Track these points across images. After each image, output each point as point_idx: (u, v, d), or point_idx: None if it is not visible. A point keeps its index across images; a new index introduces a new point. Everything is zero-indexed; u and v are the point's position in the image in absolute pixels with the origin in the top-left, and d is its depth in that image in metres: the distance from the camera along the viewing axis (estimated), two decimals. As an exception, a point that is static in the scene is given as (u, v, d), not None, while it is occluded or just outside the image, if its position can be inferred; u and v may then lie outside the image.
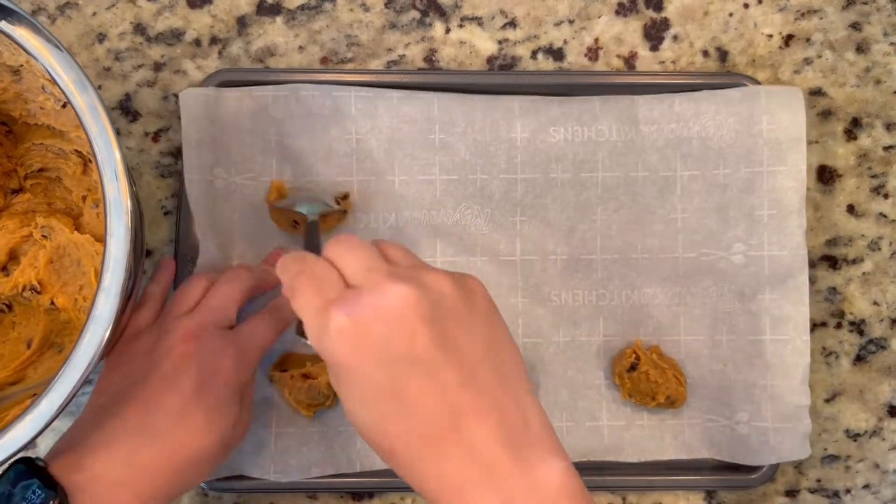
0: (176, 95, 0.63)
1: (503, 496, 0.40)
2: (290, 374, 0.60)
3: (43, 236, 0.59)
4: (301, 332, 0.45)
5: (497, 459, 0.40)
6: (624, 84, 0.63)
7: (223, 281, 0.58)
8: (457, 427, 0.40)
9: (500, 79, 0.63)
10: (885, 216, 0.65)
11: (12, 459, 0.46)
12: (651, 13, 0.65)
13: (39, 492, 0.45)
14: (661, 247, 0.63)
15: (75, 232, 0.58)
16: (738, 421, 0.62)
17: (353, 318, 0.41)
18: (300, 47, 0.64)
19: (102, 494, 0.47)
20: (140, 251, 0.55)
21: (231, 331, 0.56)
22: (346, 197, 0.61)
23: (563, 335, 0.63)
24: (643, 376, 0.61)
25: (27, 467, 0.46)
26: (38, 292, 0.58)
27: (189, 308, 0.57)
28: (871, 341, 0.66)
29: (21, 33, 0.46)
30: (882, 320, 0.66)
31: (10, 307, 0.60)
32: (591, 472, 0.62)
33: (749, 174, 0.62)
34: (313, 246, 0.57)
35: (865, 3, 0.65)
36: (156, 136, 0.63)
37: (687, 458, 0.63)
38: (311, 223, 0.59)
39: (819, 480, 0.66)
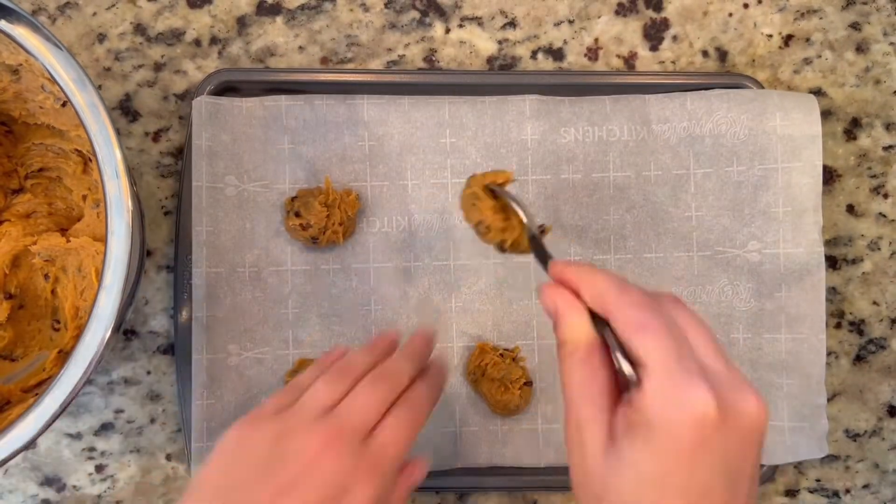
0: (177, 95, 0.63)
1: None
2: None
3: (46, 260, 0.59)
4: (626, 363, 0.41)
5: None
6: (624, 84, 0.63)
7: (368, 382, 0.49)
8: None
9: (500, 79, 0.63)
10: (884, 216, 0.65)
11: None
12: (651, 13, 0.65)
13: None
14: (676, 245, 0.63)
15: (72, 239, 0.59)
16: None
17: (719, 408, 0.38)
18: (300, 47, 0.64)
19: None
20: (141, 250, 0.55)
21: (364, 444, 0.47)
22: (544, 231, 0.52)
23: None
24: None
25: None
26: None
27: (323, 409, 0.48)
28: (870, 341, 0.66)
29: (21, 32, 0.46)
30: (882, 320, 0.66)
31: (22, 307, 0.60)
32: (592, 472, 0.62)
33: (763, 171, 0.62)
34: (544, 255, 0.48)
35: (865, 3, 0.65)
36: (156, 136, 0.63)
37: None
38: (532, 237, 0.49)
39: (819, 480, 0.66)
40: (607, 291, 0.41)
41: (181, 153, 0.63)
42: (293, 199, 0.61)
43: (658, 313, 0.41)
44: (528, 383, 0.62)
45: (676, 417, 0.38)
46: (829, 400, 0.65)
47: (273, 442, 0.45)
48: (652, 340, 0.39)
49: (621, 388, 0.42)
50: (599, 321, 0.42)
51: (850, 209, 0.66)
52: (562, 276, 0.43)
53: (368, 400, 0.48)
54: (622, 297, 0.41)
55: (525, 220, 0.50)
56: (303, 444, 0.45)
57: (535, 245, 0.49)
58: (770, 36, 0.65)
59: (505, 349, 0.62)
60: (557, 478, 0.62)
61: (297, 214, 0.60)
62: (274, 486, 0.44)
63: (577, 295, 0.43)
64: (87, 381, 0.45)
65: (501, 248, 0.52)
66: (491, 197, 0.52)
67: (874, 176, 0.65)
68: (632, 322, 0.40)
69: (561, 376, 0.43)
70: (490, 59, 0.64)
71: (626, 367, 0.40)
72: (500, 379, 0.60)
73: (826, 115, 0.65)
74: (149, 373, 0.63)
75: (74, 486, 0.63)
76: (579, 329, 0.42)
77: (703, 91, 0.62)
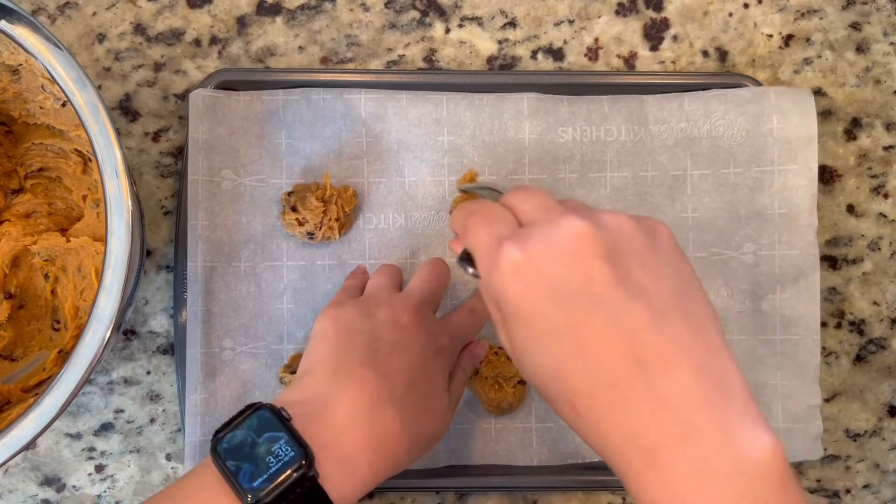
0: (176, 95, 0.63)
1: (698, 461, 0.35)
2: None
3: (45, 260, 0.59)
4: (465, 259, 0.44)
5: (693, 418, 0.36)
6: (624, 84, 0.63)
7: (429, 266, 0.57)
8: (645, 376, 0.37)
9: (500, 79, 0.63)
10: (884, 216, 0.65)
11: (252, 402, 0.45)
12: (651, 13, 0.65)
13: (288, 449, 0.43)
14: None
15: (72, 239, 0.58)
16: None
17: (525, 252, 0.39)
18: (300, 47, 0.64)
19: (345, 457, 0.45)
20: (141, 250, 0.55)
21: (443, 318, 0.56)
22: None
23: None
24: None
25: (272, 415, 0.44)
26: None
27: (394, 286, 0.56)
28: (871, 341, 0.66)
29: (20, 32, 0.46)
30: (882, 320, 0.66)
31: (22, 306, 0.60)
32: (591, 471, 0.62)
33: (759, 173, 0.62)
34: None
35: (865, 3, 0.65)
36: (156, 136, 0.63)
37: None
38: None
39: (819, 480, 0.66)
40: (462, 227, 0.45)
41: (181, 153, 0.63)
42: (290, 194, 0.61)
43: (474, 211, 0.44)
44: (522, 382, 0.61)
45: (498, 282, 0.40)
46: (829, 400, 0.65)
47: (364, 316, 0.52)
48: (471, 236, 0.43)
49: None
50: None
51: (851, 209, 0.66)
52: (454, 229, 0.47)
53: (429, 280, 0.56)
54: (461, 222, 0.45)
55: (486, 198, 0.57)
56: (391, 313, 0.52)
57: None
58: (770, 36, 0.65)
59: (499, 347, 0.62)
60: (557, 478, 0.62)
61: (294, 209, 0.60)
62: (385, 347, 0.50)
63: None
64: (87, 381, 0.45)
65: None
66: (463, 198, 0.61)
67: (874, 176, 0.65)
68: (460, 232, 0.45)
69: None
70: (490, 59, 0.64)
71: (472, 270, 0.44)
72: (493, 377, 0.60)
73: (826, 115, 0.65)
74: (149, 373, 0.63)
75: (74, 486, 0.63)
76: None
77: (700, 92, 0.62)
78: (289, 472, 0.42)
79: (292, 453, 0.43)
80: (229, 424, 0.45)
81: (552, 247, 0.39)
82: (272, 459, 0.43)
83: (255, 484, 0.42)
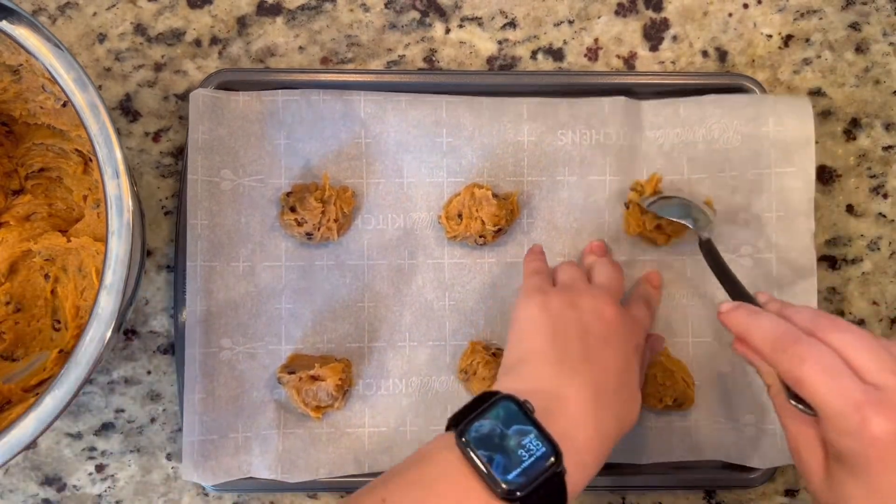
0: (177, 96, 0.63)
1: None
2: (298, 375, 0.60)
3: (46, 260, 0.59)
4: (795, 398, 0.47)
5: None
6: (624, 84, 0.63)
7: (607, 265, 0.58)
8: None
9: (500, 79, 0.63)
10: (884, 216, 0.66)
11: (494, 392, 0.46)
12: (651, 13, 0.65)
13: (538, 444, 0.43)
14: (670, 249, 0.63)
15: (72, 239, 0.58)
16: (746, 423, 0.62)
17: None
18: (300, 47, 0.64)
19: (578, 450, 0.45)
20: (142, 250, 0.55)
21: (629, 313, 0.56)
22: (709, 203, 0.62)
23: None
24: (651, 378, 0.61)
25: (517, 407, 0.44)
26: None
27: (586, 279, 0.57)
28: (870, 341, 0.66)
29: (21, 33, 0.46)
30: (881, 320, 0.66)
31: (19, 309, 0.60)
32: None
33: (756, 176, 0.62)
34: (723, 270, 0.57)
35: (865, 4, 0.65)
36: (156, 137, 0.63)
37: (693, 460, 0.63)
38: (705, 242, 0.59)
39: (819, 480, 0.66)
40: (792, 373, 0.46)
41: (181, 153, 0.63)
42: (289, 194, 0.61)
43: (803, 357, 0.45)
44: None
45: (854, 444, 0.42)
46: (828, 400, 0.65)
47: (569, 305, 0.52)
48: (819, 391, 0.44)
49: None
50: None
51: (850, 209, 0.66)
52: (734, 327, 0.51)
53: (613, 276, 0.57)
54: (788, 365, 0.46)
55: (696, 230, 0.60)
56: (594, 305, 0.52)
57: (711, 255, 0.59)
58: (770, 36, 0.65)
59: (497, 348, 0.62)
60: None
61: (293, 210, 0.60)
62: (595, 340, 0.51)
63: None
64: (88, 380, 0.45)
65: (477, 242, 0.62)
66: (455, 202, 0.62)
67: (874, 176, 0.65)
68: (790, 378, 0.46)
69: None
70: (490, 60, 0.64)
71: (803, 408, 0.47)
72: (490, 378, 0.60)
73: (826, 115, 0.65)
74: (149, 372, 0.63)
75: (75, 486, 0.63)
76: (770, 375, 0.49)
77: (696, 97, 0.62)
78: (543, 467, 0.42)
79: (543, 448, 0.43)
80: (471, 412, 0.44)
81: None
82: (524, 453, 0.43)
83: (509, 476, 0.42)
